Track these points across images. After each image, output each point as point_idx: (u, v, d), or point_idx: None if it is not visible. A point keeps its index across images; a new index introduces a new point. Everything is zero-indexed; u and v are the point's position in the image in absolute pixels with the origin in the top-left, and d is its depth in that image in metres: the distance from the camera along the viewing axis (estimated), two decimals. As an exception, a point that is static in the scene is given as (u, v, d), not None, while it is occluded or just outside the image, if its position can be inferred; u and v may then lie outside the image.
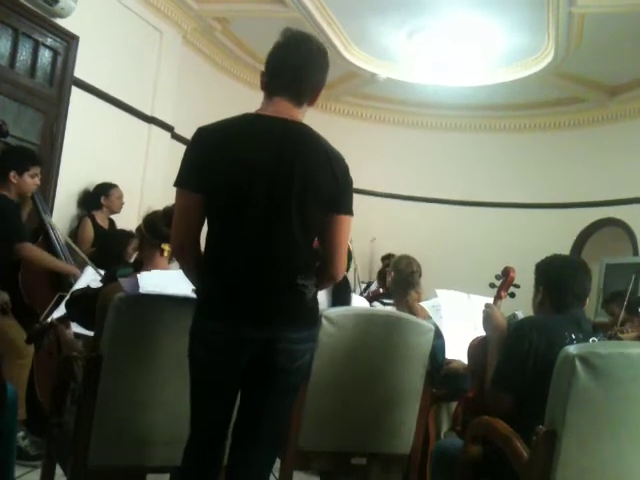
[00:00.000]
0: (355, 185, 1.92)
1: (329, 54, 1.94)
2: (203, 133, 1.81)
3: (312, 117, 1.97)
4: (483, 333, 2.58)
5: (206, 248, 1.85)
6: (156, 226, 2.39)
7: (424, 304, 3.34)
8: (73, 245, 3.81)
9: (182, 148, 1.88)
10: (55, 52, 4.66)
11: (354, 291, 5.31)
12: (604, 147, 7.08)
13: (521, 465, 1.81)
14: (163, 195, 4.52)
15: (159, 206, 2.46)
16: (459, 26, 5.77)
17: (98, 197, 4.79)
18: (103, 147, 5.12)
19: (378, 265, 7.38)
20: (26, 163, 3.40)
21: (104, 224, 4.77)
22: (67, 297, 2.78)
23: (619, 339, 4.24)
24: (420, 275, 3.48)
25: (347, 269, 2.23)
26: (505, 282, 2.79)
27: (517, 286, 2.82)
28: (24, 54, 4.45)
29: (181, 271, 1.98)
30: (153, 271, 2.27)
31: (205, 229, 1.86)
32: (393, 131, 8.10)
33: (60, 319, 2.90)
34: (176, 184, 1.81)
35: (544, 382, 1.81)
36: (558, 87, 6.86)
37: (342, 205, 1.85)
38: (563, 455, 1.69)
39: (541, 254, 2.51)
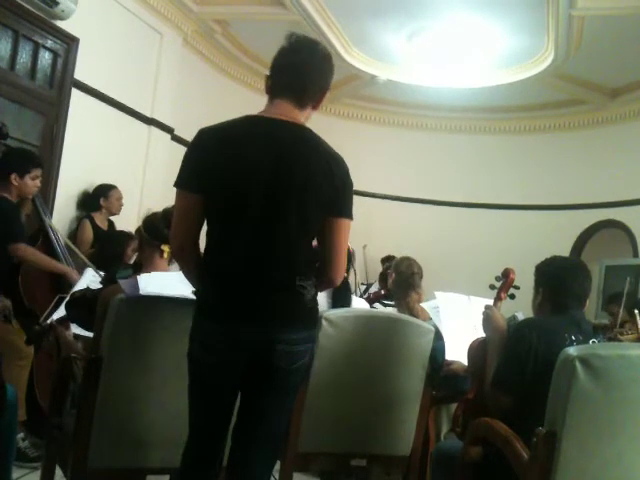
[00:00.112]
0: (355, 187, 1.92)
1: (323, 48, 1.93)
2: (204, 135, 1.82)
3: (312, 119, 1.97)
4: (483, 334, 2.58)
5: (206, 250, 1.85)
6: (156, 227, 2.39)
7: (424, 305, 3.35)
8: (73, 247, 3.81)
9: (182, 150, 1.88)
10: (55, 54, 4.66)
11: (354, 292, 5.31)
12: (604, 149, 7.08)
13: (521, 466, 1.81)
14: (163, 197, 4.53)
15: (159, 208, 2.46)
16: (459, 28, 5.77)
17: (97, 198, 4.80)
18: (103, 149, 5.12)
19: (374, 267, 7.39)
20: (27, 165, 3.40)
21: (103, 225, 4.78)
22: (67, 298, 2.78)
23: (619, 341, 4.24)
24: (421, 277, 3.50)
25: (347, 271, 2.23)
26: (505, 283, 2.80)
27: (517, 287, 2.82)
28: (24, 56, 4.45)
29: (181, 273, 1.98)
30: (153, 273, 2.27)
31: (204, 230, 1.86)
32: (393, 133, 8.11)
33: (60, 320, 2.90)
34: (176, 185, 1.82)
35: (544, 383, 1.81)
36: (558, 89, 6.86)
37: (342, 208, 1.85)
38: (563, 456, 1.69)
39: (541, 255, 2.51)
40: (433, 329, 2.74)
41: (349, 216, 1.87)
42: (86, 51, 4.82)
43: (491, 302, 2.74)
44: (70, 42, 4.72)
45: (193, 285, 1.92)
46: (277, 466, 2.30)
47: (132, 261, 3.73)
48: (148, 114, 5.70)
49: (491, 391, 2.26)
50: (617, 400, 1.72)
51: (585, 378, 1.68)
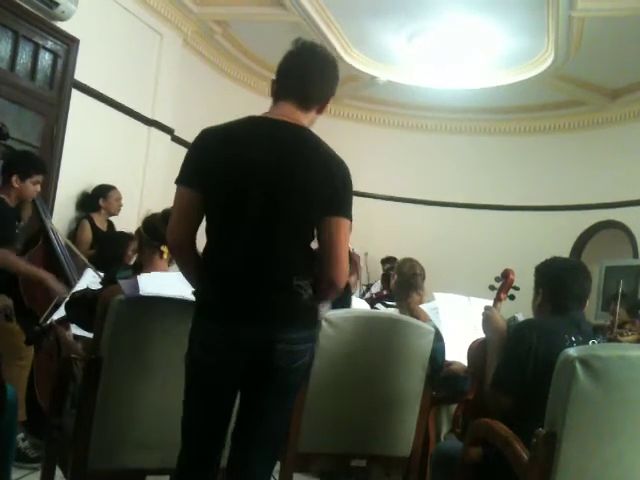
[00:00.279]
0: (355, 188, 1.92)
1: (328, 53, 1.95)
2: (206, 135, 1.84)
3: (312, 119, 1.98)
4: (483, 335, 2.58)
5: (205, 249, 1.86)
6: (155, 228, 2.40)
7: (424, 306, 3.35)
8: (73, 247, 3.81)
9: (182, 151, 1.89)
10: (55, 55, 4.67)
11: (353, 293, 5.30)
12: (604, 150, 7.09)
13: (521, 467, 1.81)
14: (163, 198, 4.53)
15: (159, 208, 2.47)
16: (459, 29, 5.77)
17: (96, 199, 4.80)
18: (103, 150, 5.13)
19: (374, 268, 7.41)
20: (30, 169, 3.40)
21: (102, 226, 4.78)
22: (67, 299, 2.78)
23: (619, 342, 4.24)
24: (423, 278, 3.51)
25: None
26: (505, 284, 2.80)
27: (517, 288, 2.82)
28: (24, 57, 4.46)
29: (181, 273, 1.99)
30: (153, 273, 2.28)
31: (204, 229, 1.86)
32: (393, 134, 8.11)
33: (60, 321, 2.90)
34: (177, 181, 1.83)
35: (544, 384, 1.81)
36: (558, 90, 6.86)
37: (341, 208, 1.85)
38: (563, 457, 1.69)
39: (541, 256, 2.51)
40: (433, 330, 2.74)
41: (348, 216, 1.86)
42: (86, 52, 4.82)
43: (491, 303, 2.74)
44: (70, 43, 4.72)
45: (191, 283, 1.93)
46: (277, 466, 2.30)
47: (132, 262, 3.73)
48: (148, 115, 5.70)
49: (491, 392, 2.26)
50: (617, 401, 1.72)
51: (585, 379, 1.68)
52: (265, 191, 1.77)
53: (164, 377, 2.10)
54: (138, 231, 2.63)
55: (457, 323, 3.19)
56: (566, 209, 7.30)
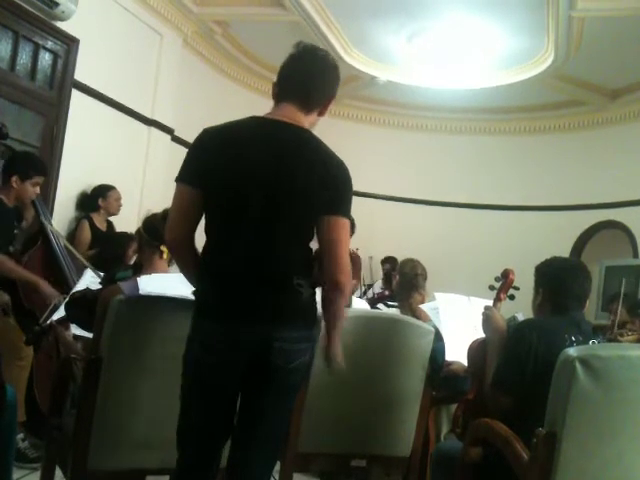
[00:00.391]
0: (355, 188, 1.93)
1: (330, 56, 1.96)
2: (207, 135, 1.84)
3: (312, 120, 1.98)
4: (483, 335, 2.58)
5: (205, 249, 1.86)
6: (155, 228, 2.40)
7: (424, 306, 3.35)
8: (72, 249, 3.80)
9: (182, 151, 1.90)
10: (55, 55, 4.67)
11: (353, 293, 5.30)
12: (604, 150, 7.09)
13: (521, 467, 1.81)
14: (163, 198, 4.52)
15: (159, 209, 2.46)
16: (459, 29, 5.77)
17: (96, 199, 4.80)
18: (103, 150, 5.12)
19: (374, 268, 7.41)
20: (30, 171, 3.39)
21: (102, 226, 4.78)
22: (67, 299, 2.78)
23: (619, 342, 4.24)
24: (425, 278, 3.51)
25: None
26: (504, 284, 2.80)
27: (517, 288, 2.82)
28: (24, 57, 4.46)
29: (181, 274, 1.99)
30: (153, 274, 2.28)
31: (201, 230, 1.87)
32: (393, 134, 8.11)
33: (60, 321, 2.90)
34: (177, 180, 1.83)
35: (544, 384, 1.81)
36: (558, 90, 6.86)
37: (340, 208, 1.85)
38: (563, 457, 1.69)
39: (541, 256, 2.51)
40: (433, 330, 2.74)
41: (346, 216, 1.86)
42: (86, 52, 4.82)
43: (491, 303, 2.74)
44: (70, 43, 4.72)
45: (191, 282, 1.93)
46: (277, 466, 2.30)
47: (132, 262, 3.73)
48: (148, 115, 5.70)
49: (491, 391, 2.26)
50: (617, 401, 1.72)
51: (585, 379, 1.68)
52: (265, 192, 1.78)
53: (164, 377, 2.10)
54: (138, 231, 2.63)
55: (457, 323, 3.20)
56: (566, 209, 7.30)
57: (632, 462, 1.74)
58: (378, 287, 6.65)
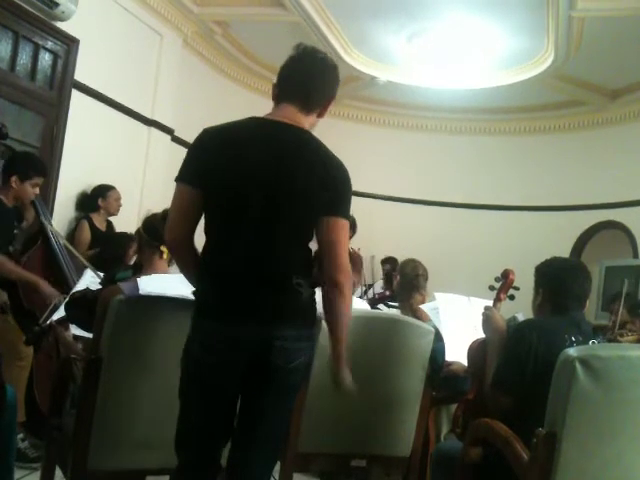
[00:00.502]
0: (355, 188, 1.93)
1: (329, 57, 1.96)
2: (207, 135, 1.85)
3: (312, 120, 1.98)
4: (483, 335, 2.58)
5: (205, 249, 1.86)
6: (155, 229, 2.39)
7: (424, 306, 3.35)
8: (72, 249, 3.80)
9: (182, 151, 1.90)
10: (55, 55, 4.67)
11: (353, 293, 5.26)
12: (604, 150, 7.08)
13: (521, 467, 1.81)
14: (163, 198, 4.51)
15: (159, 209, 2.47)
16: (459, 29, 5.77)
17: (95, 199, 4.80)
18: (103, 150, 5.13)
19: (374, 269, 7.39)
20: (30, 171, 3.39)
21: (101, 226, 4.78)
22: (67, 299, 2.78)
23: (619, 342, 4.24)
24: (426, 279, 3.51)
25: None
26: (504, 284, 2.80)
27: (517, 288, 2.82)
28: (24, 57, 4.46)
29: (181, 275, 1.99)
30: (153, 275, 2.28)
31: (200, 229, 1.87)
32: (393, 134, 8.11)
33: (59, 321, 2.90)
34: (177, 179, 1.84)
35: (544, 384, 1.81)
36: (558, 90, 6.86)
37: (339, 209, 1.85)
38: (563, 457, 1.69)
39: (541, 256, 2.51)
40: (433, 330, 2.74)
41: (346, 216, 1.87)
42: (86, 52, 4.82)
43: (491, 303, 2.74)
44: (70, 43, 4.72)
45: (190, 282, 1.93)
46: (277, 466, 2.30)
47: (132, 262, 3.73)
48: (148, 115, 5.70)
49: (491, 392, 2.26)
50: (617, 401, 1.72)
51: (585, 379, 1.68)
52: (265, 192, 1.78)
53: (164, 377, 2.10)
54: (138, 231, 2.63)
55: (457, 323, 3.20)
56: (566, 209, 7.30)
57: (632, 462, 1.74)
58: (378, 287, 6.64)
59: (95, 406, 2.05)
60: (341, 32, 6.16)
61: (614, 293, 5.37)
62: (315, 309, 1.91)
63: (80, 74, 4.83)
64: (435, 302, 3.37)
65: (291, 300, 1.82)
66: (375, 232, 7.42)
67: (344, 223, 1.86)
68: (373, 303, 4.54)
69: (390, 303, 4.20)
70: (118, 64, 5.24)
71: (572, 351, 1.73)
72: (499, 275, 2.84)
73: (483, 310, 2.58)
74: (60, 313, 2.94)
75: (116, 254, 4.09)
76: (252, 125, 1.86)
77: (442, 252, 7.26)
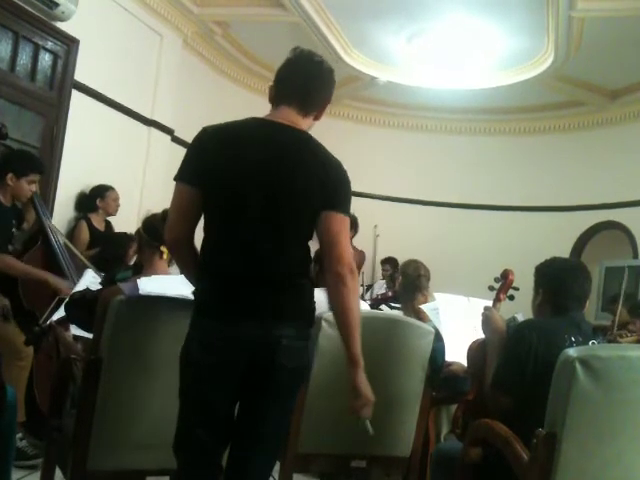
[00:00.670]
0: (355, 188, 1.94)
1: (329, 58, 1.98)
2: (207, 134, 1.85)
3: (312, 120, 1.98)
4: (483, 335, 2.58)
5: (203, 249, 1.86)
6: (155, 229, 2.40)
7: (424, 307, 3.35)
8: (72, 248, 3.80)
9: (182, 151, 1.90)
10: (55, 55, 4.67)
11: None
12: (604, 150, 7.08)
13: (521, 467, 1.81)
14: (163, 198, 4.51)
15: (158, 209, 2.47)
16: (459, 29, 5.77)
17: (94, 199, 4.80)
18: (103, 150, 5.12)
19: (377, 269, 7.40)
20: (26, 168, 3.39)
21: (100, 226, 4.78)
22: (67, 300, 2.78)
23: (618, 343, 4.24)
24: (428, 279, 3.50)
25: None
26: (504, 285, 2.80)
27: (516, 289, 2.82)
28: (24, 57, 4.46)
29: (181, 275, 1.99)
30: (153, 276, 2.28)
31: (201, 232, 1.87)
32: (393, 134, 8.11)
33: (59, 321, 2.90)
34: (176, 178, 1.84)
35: (544, 385, 1.81)
36: (558, 90, 6.86)
37: (338, 205, 1.85)
38: (563, 457, 1.69)
39: (541, 257, 2.51)
40: (433, 330, 2.74)
41: (345, 212, 1.87)
42: (86, 52, 4.82)
43: (490, 303, 2.74)
44: (70, 43, 4.72)
45: (190, 281, 1.94)
46: (276, 467, 2.30)
47: (132, 262, 3.73)
48: (148, 115, 5.70)
49: (491, 392, 2.26)
50: (617, 401, 1.73)
51: (585, 379, 1.68)
52: (264, 192, 1.79)
53: (164, 377, 2.10)
54: (138, 232, 2.63)
55: (457, 323, 3.20)
56: (566, 210, 7.30)
57: (632, 462, 1.74)
58: (378, 287, 6.65)
59: (95, 406, 2.05)
60: (341, 32, 6.15)
61: (614, 294, 5.37)
62: (314, 309, 1.91)
63: (80, 74, 4.83)
64: (435, 302, 3.37)
65: (291, 300, 1.83)
66: (375, 232, 7.43)
67: (344, 218, 1.86)
68: (376, 304, 4.54)
69: (392, 304, 4.20)
70: (118, 64, 5.24)
71: (572, 351, 1.73)
72: (499, 275, 2.84)
73: (483, 310, 2.58)
74: (60, 313, 2.94)
75: (116, 254, 4.09)
76: (251, 125, 1.87)
77: (441, 252, 7.25)
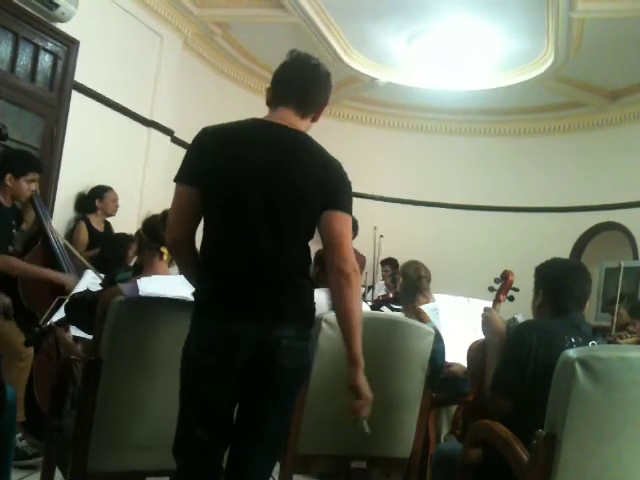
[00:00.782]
0: (354, 189, 1.93)
1: (329, 58, 1.99)
2: (206, 134, 1.85)
3: (312, 120, 1.99)
4: (483, 336, 2.58)
5: (203, 249, 1.86)
6: (155, 230, 2.40)
7: (424, 307, 3.35)
8: (72, 249, 3.80)
9: (182, 152, 1.90)
10: (55, 56, 4.67)
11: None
12: (604, 151, 7.09)
13: (521, 468, 1.81)
14: (162, 199, 4.51)
15: (158, 210, 2.47)
16: (459, 30, 5.78)
17: (93, 200, 4.81)
18: (103, 151, 5.13)
19: (377, 269, 7.39)
20: (24, 168, 3.38)
21: (99, 227, 4.79)
22: (67, 300, 2.78)
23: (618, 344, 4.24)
24: (429, 280, 3.50)
25: None
26: (504, 286, 2.80)
27: (516, 289, 2.82)
28: (24, 58, 4.46)
29: (181, 276, 1.99)
30: (153, 276, 2.28)
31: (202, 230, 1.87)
32: (393, 135, 8.11)
33: (59, 322, 2.90)
34: (176, 179, 1.84)
35: (544, 386, 1.81)
36: (558, 91, 6.86)
37: (339, 203, 1.86)
38: (563, 458, 1.69)
39: (541, 257, 2.51)
40: (433, 331, 2.73)
41: (347, 211, 1.87)
42: (86, 53, 4.83)
43: (490, 304, 2.74)
44: (70, 44, 4.73)
45: (190, 282, 1.94)
46: (276, 467, 2.29)
47: (132, 263, 3.73)
48: (148, 116, 5.70)
49: (491, 394, 2.26)
50: (617, 402, 1.72)
51: (585, 380, 1.68)
52: (264, 193, 1.79)
53: (164, 378, 2.10)
54: (138, 233, 2.63)
55: (457, 324, 3.19)
56: (566, 210, 7.30)
57: (632, 463, 1.74)
58: (379, 288, 6.65)
59: (95, 407, 2.05)
60: (341, 33, 6.16)
61: (614, 295, 5.37)
62: (314, 309, 1.92)
63: (80, 75, 4.84)
64: (435, 303, 3.37)
65: (291, 300, 1.83)
66: (375, 233, 7.43)
67: (346, 217, 1.86)
68: (377, 305, 4.54)
69: (394, 306, 4.20)
70: (118, 65, 5.24)
71: (572, 352, 1.73)
72: (498, 276, 2.84)
73: (482, 311, 2.57)
74: (60, 314, 2.94)
75: (115, 255, 4.09)
76: (251, 126, 1.88)
77: (441, 253, 7.26)
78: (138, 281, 2.12)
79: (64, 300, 2.99)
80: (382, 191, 7.97)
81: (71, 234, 4.69)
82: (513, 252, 6.51)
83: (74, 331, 2.77)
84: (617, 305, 4.82)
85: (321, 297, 2.24)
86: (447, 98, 7.30)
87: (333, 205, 1.84)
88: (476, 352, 2.56)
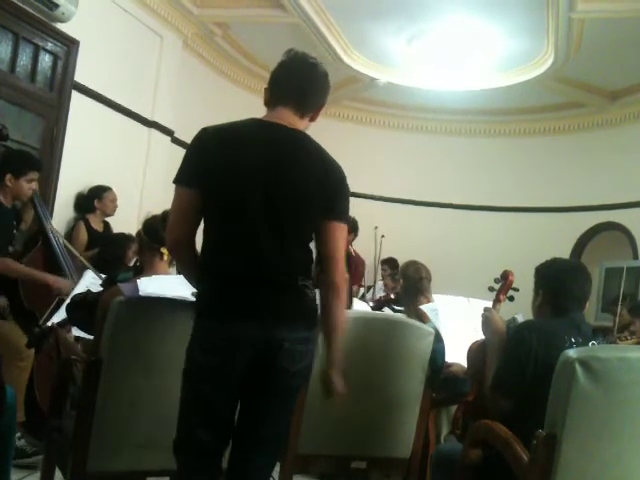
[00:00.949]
0: (354, 189, 1.94)
1: (329, 59, 1.99)
2: (206, 135, 1.85)
3: (312, 121, 1.99)
4: (483, 336, 2.58)
5: (203, 250, 1.86)
6: (155, 230, 2.40)
7: (424, 307, 3.35)
8: (72, 249, 3.80)
9: (182, 152, 1.90)
10: (55, 56, 4.67)
11: (355, 295, 5.27)
12: (604, 151, 7.08)
13: (521, 469, 1.81)
14: (163, 199, 4.50)
15: (159, 210, 2.47)
16: (459, 30, 5.78)
17: (91, 200, 4.80)
18: (103, 151, 5.12)
19: (378, 269, 7.38)
20: (24, 167, 3.39)
21: (98, 227, 4.79)
22: (67, 301, 2.78)
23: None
24: (429, 280, 3.49)
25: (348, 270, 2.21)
26: (504, 286, 2.80)
27: (516, 289, 2.82)
28: (24, 59, 4.46)
29: (181, 276, 1.99)
30: (153, 276, 2.28)
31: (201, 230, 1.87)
32: (393, 135, 8.11)
33: (60, 323, 2.90)
34: (175, 180, 1.84)
35: (544, 386, 1.81)
36: (558, 91, 6.86)
37: (336, 213, 1.88)
38: (563, 458, 1.69)
39: (541, 258, 2.51)
40: (433, 331, 2.74)
41: (343, 220, 1.90)
42: (86, 54, 4.82)
43: (490, 304, 2.74)
44: (70, 45, 4.73)
45: (191, 283, 1.94)
46: (276, 468, 2.30)
47: (132, 263, 3.73)
48: (148, 116, 5.70)
49: (491, 394, 2.26)
50: (617, 402, 1.72)
51: (585, 380, 1.68)
52: (264, 193, 1.79)
53: (164, 378, 2.10)
54: (138, 233, 2.63)
55: (457, 324, 3.19)
56: (566, 211, 7.30)
57: (632, 463, 1.74)
58: (379, 288, 6.65)
59: (95, 407, 2.05)
60: (341, 33, 6.15)
61: (615, 295, 5.37)
62: (317, 311, 1.92)
63: (80, 75, 4.83)
64: (435, 303, 3.36)
65: (292, 300, 1.83)
66: (376, 233, 7.42)
67: (343, 227, 1.89)
68: (379, 306, 4.53)
69: (395, 307, 4.19)
70: (118, 65, 5.24)
71: (572, 352, 1.73)
72: (498, 276, 2.84)
73: (482, 311, 2.57)
74: (61, 314, 2.95)
75: (115, 255, 4.09)
76: (251, 126, 1.88)
77: (441, 253, 7.24)
78: (138, 281, 2.12)
79: (64, 300, 3.00)
80: (382, 191, 7.96)
81: (70, 234, 4.69)
82: (513, 252, 6.50)
83: (75, 331, 2.77)
84: (619, 306, 4.82)
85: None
86: (447, 98, 7.29)
87: (332, 215, 1.86)
88: (476, 352, 2.56)
